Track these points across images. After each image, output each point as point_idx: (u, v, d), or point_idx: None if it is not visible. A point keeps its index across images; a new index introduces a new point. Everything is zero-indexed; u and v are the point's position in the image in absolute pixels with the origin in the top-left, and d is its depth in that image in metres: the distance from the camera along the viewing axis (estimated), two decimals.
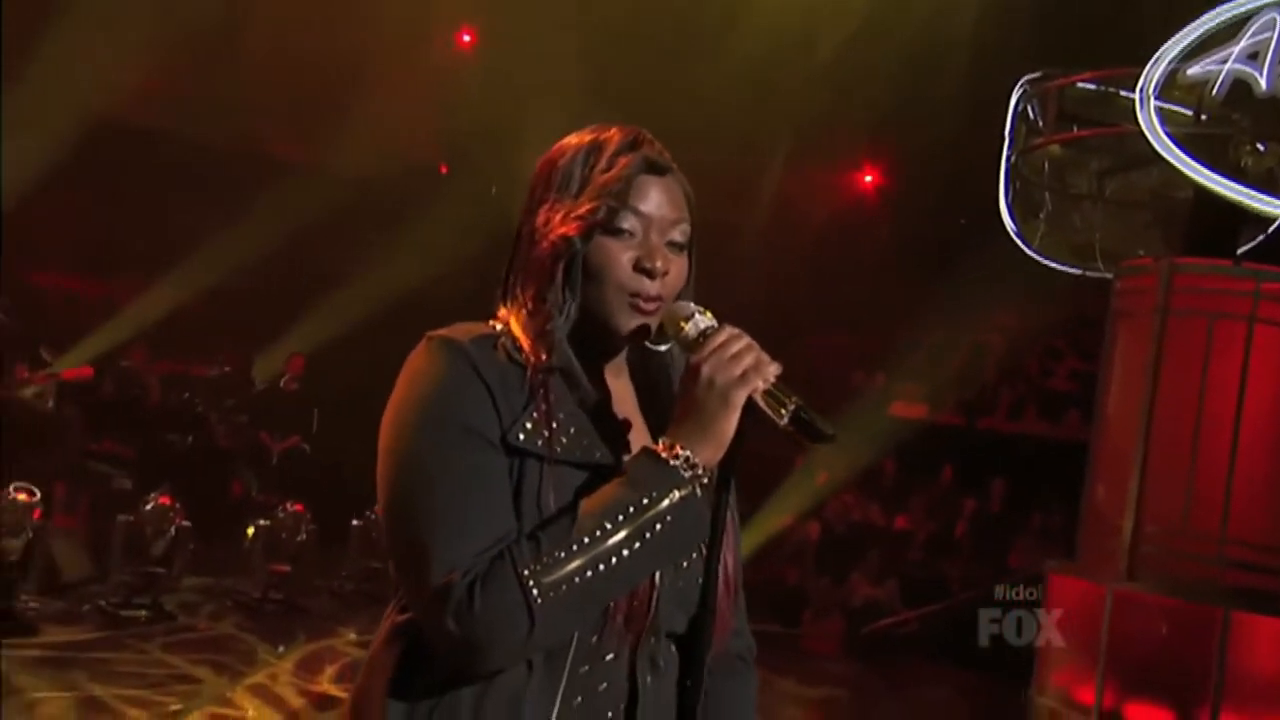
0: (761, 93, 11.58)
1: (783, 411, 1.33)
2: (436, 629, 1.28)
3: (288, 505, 7.03)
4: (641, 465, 1.35)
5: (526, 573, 1.26)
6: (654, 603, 1.40)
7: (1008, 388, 11.91)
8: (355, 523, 7.11)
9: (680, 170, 1.47)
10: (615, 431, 1.44)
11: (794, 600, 8.59)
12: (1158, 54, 5.53)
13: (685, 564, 1.43)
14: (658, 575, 1.40)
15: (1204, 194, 5.41)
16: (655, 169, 1.45)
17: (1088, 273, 6.95)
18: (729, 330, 1.38)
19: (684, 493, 1.32)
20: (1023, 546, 9.10)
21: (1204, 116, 5.59)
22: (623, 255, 1.41)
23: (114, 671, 5.29)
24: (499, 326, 1.43)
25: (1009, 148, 7.15)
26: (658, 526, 1.31)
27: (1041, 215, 7.43)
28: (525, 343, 1.40)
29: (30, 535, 5.64)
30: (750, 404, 1.34)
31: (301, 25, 10.42)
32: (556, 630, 1.31)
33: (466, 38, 13.88)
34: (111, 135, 9.80)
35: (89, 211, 10.62)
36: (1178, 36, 5.54)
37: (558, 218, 1.42)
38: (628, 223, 1.42)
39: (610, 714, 1.40)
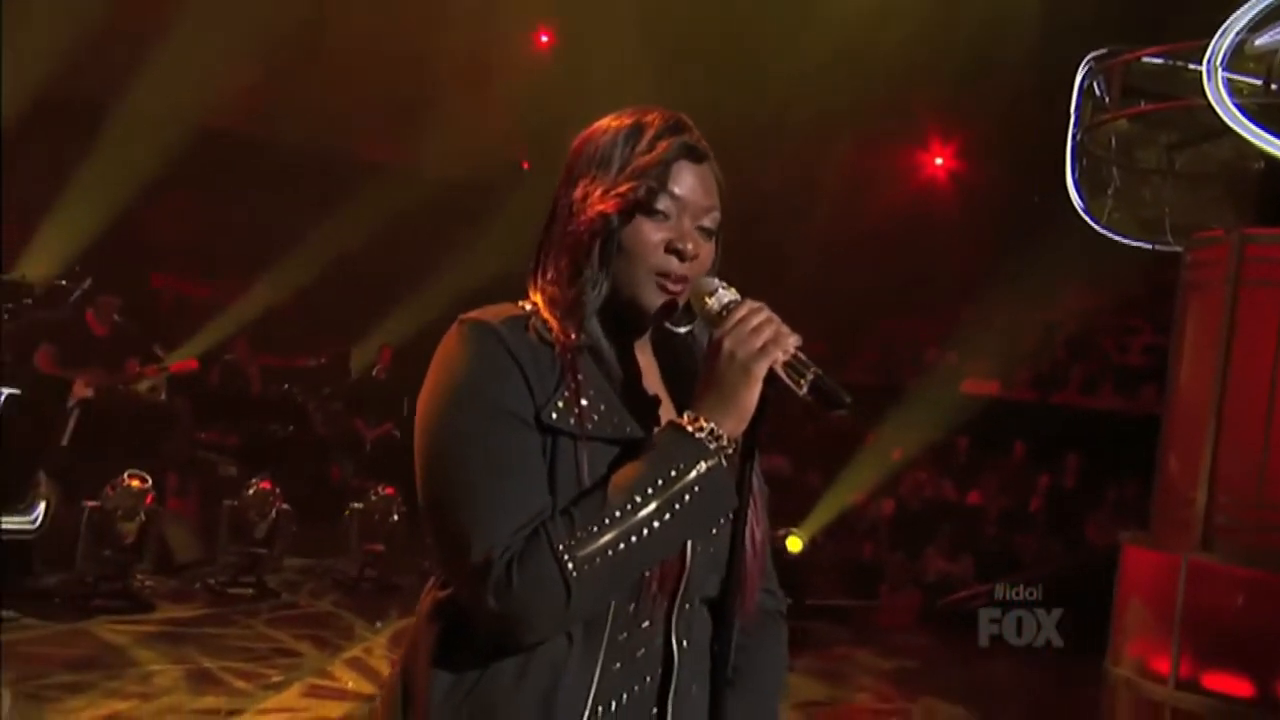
0: (830, 78, 11.45)
1: (802, 381, 1.32)
2: (477, 605, 1.28)
3: (381, 489, 7.16)
4: (668, 438, 1.34)
5: (561, 548, 1.26)
6: (687, 569, 1.40)
7: (1080, 363, 11.65)
8: None
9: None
10: (644, 407, 1.43)
11: (870, 575, 8.52)
12: (1225, 25, 5.34)
13: (716, 531, 1.41)
14: (690, 543, 1.39)
15: (1275, 164, 5.24)
16: (694, 155, 1.45)
17: (1158, 247, 6.78)
18: (750, 304, 1.37)
19: (710, 464, 1.32)
20: (1098, 520, 8.92)
21: (1274, 86, 5.40)
22: (655, 236, 1.41)
23: (222, 645, 5.44)
24: (529, 307, 1.43)
25: (1075, 125, 6.99)
26: (686, 497, 1.31)
27: (1110, 191, 7.24)
28: (554, 322, 1.40)
29: (143, 519, 5.80)
30: (772, 375, 1.32)
31: (387, 32, 10.54)
32: (593, 602, 1.31)
33: (544, 38, 13.97)
34: (216, 144, 10.03)
35: (197, 217, 10.91)
36: (1245, 7, 5.36)
37: (596, 194, 1.41)
38: (663, 204, 1.41)
39: (648, 678, 1.40)
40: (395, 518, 7.03)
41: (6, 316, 7.19)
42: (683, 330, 1.49)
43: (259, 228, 9.99)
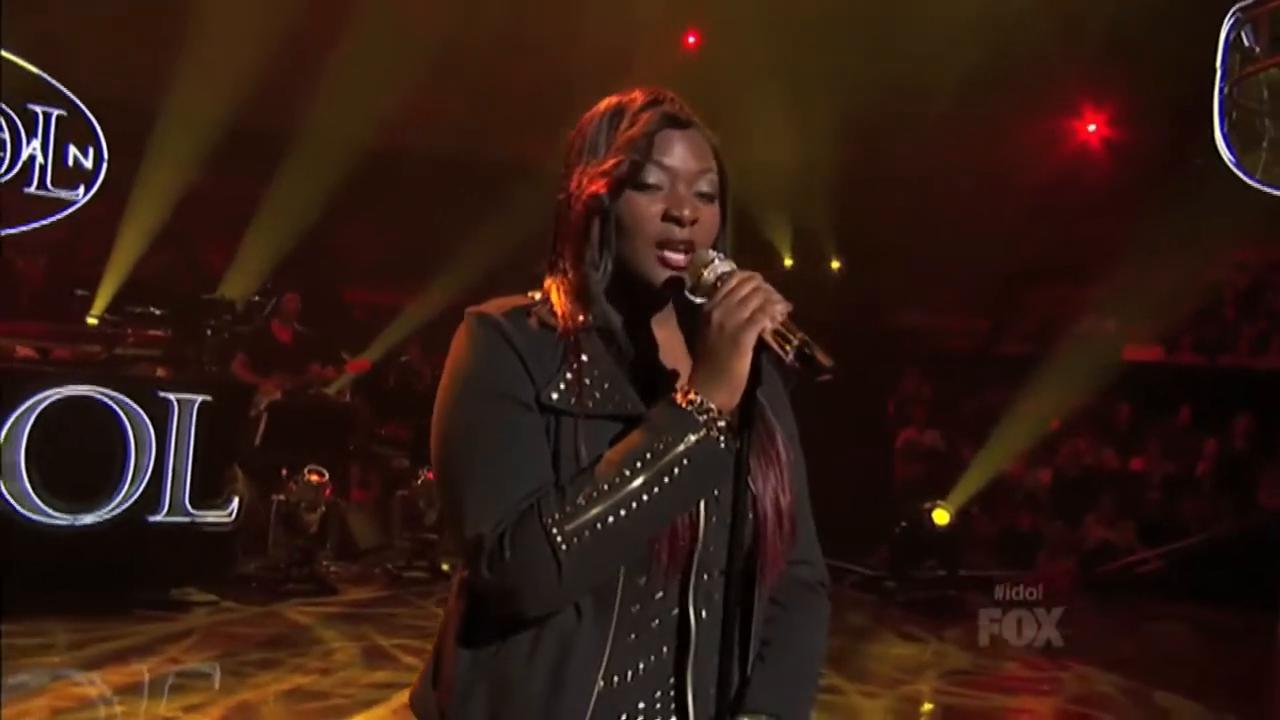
0: (978, 48, 10.99)
1: (787, 348, 1.28)
2: (476, 579, 1.29)
3: None
4: (659, 412, 1.31)
5: (549, 521, 1.25)
6: (700, 541, 1.36)
7: (1249, 323, 10.86)
8: None
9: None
10: (659, 382, 1.39)
11: (1027, 544, 8.18)
12: None
13: (733, 501, 1.36)
14: (702, 514, 1.36)
15: None
16: (677, 122, 1.41)
17: None
18: (740, 274, 1.32)
19: (698, 436, 1.28)
20: (1270, 482, 8.32)
21: None
22: (651, 208, 1.38)
23: (396, 624, 5.65)
24: (537, 296, 1.42)
25: (1222, 79, 6.54)
26: (675, 470, 1.27)
27: (1264, 143, 6.73)
28: (562, 307, 1.38)
29: (324, 510, 6.09)
30: (763, 343, 1.29)
31: (532, 38, 10.66)
32: (587, 575, 1.28)
33: (691, 39, 13.91)
34: (385, 162, 10.40)
35: (376, 231, 11.33)
36: None
37: (586, 179, 1.39)
38: (654, 177, 1.39)
39: (665, 648, 1.37)
40: None
41: (210, 332, 7.65)
42: (701, 302, 1.42)
43: (428, 236, 10.30)
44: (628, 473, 1.27)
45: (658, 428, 1.29)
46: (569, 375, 1.34)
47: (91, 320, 7.80)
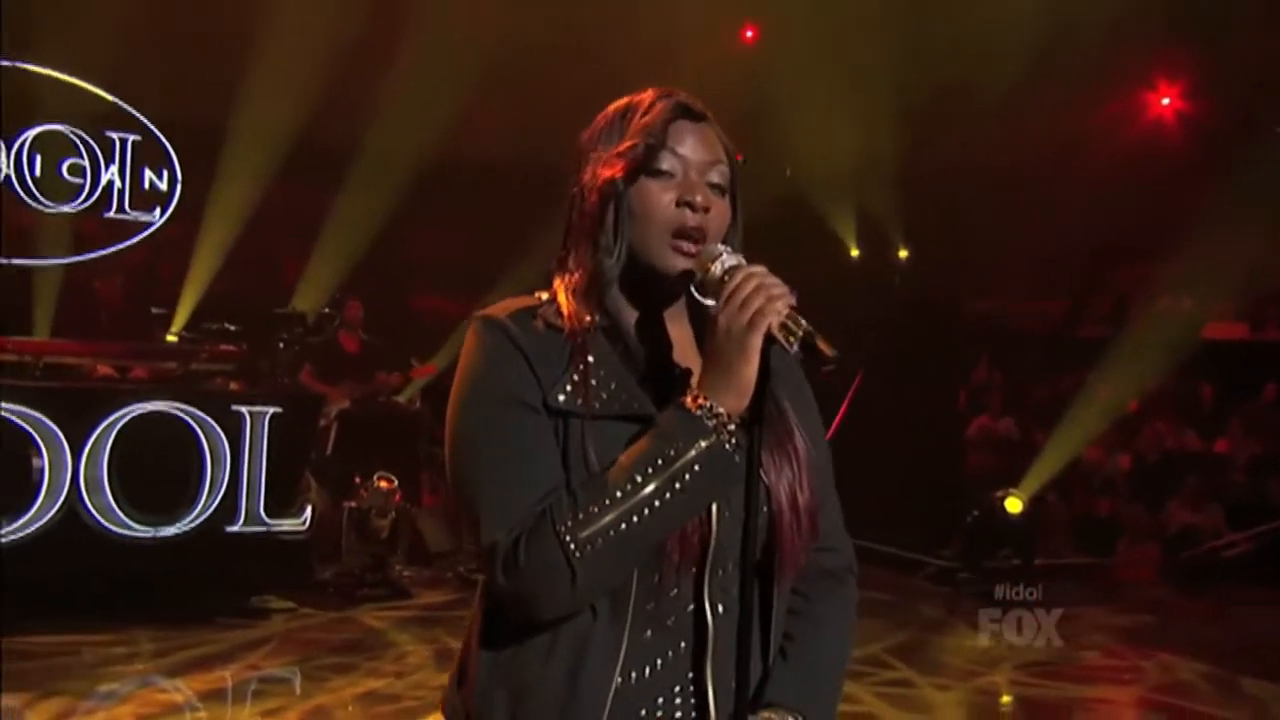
0: (1044, 24, 10.74)
1: (791, 341, 1.27)
2: (492, 584, 1.31)
3: None
4: (669, 417, 1.31)
5: (563, 529, 1.26)
6: (714, 537, 1.36)
7: None
8: None
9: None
10: (670, 381, 1.39)
11: (1107, 531, 7.99)
12: None
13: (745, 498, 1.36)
14: (715, 511, 1.36)
15: None
16: (690, 114, 1.42)
17: None
18: (743, 271, 1.32)
19: (709, 442, 1.28)
20: None
21: None
22: (664, 195, 1.39)
23: (465, 627, 5.70)
24: (544, 297, 1.43)
25: None
26: (686, 476, 1.28)
27: None
28: (569, 307, 1.39)
29: (395, 516, 6.19)
30: (770, 338, 1.28)
31: (586, 38, 10.67)
32: (601, 580, 1.29)
33: (749, 33, 13.83)
34: (448, 171, 10.53)
35: (442, 239, 11.47)
36: None
37: (601, 165, 1.40)
38: (667, 163, 1.39)
39: (682, 644, 1.37)
40: None
41: (282, 345, 7.82)
42: (710, 303, 1.42)
43: (492, 241, 10.38)
44: (639, 479, 1.27)
45: (668, 433, 1.29)
46: (575, 376, 1.35)
47: (172, 337, 8.03)
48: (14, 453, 5.37)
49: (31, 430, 5.38)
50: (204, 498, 5.66)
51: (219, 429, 5.70)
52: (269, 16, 8.44)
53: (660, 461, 1.27)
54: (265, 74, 8.60)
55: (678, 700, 1.37)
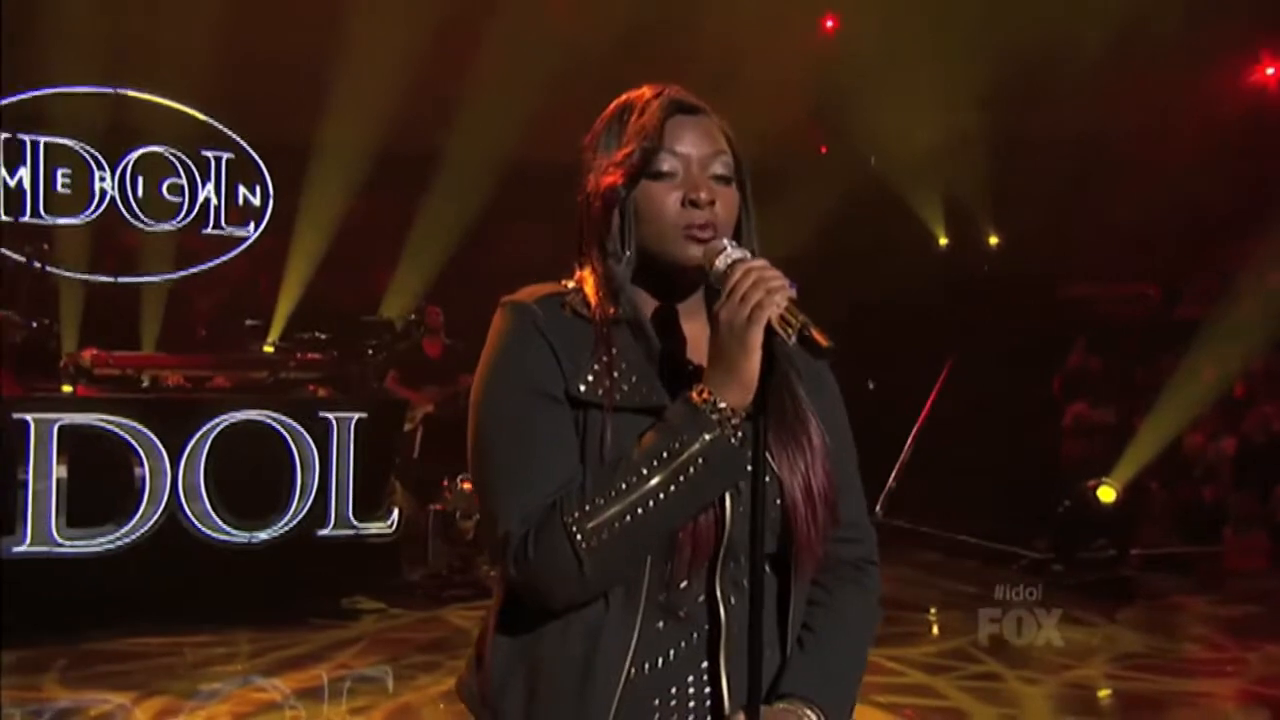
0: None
1: (789, 333, 1.28)
2: (505, 573, 1.34)
3: None
4: (675, 411, 1.33)
5: (570, 520, 1.28)
6: (728, 529, 1.37)
7: None
8: None
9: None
10: (687, 376, 1.41)
11: (1211, 519, 7.72)
12: None
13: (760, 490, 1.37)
14: (727, 503, 1.37)
15: None
16: (686, 108, 1.43)
17: None
18: (743, 266, 1.32)
19: (713, 435, 1.30)
20: None
21: None
22: (669, 195, 1.40)
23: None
24: (571, 285, 1.45)
25: None
26: (690, 470, 1.29)
27: None
28: (594, 297, 1.41)
29: (478, 517, 6.29)
30: (771, 331, 1.29)
31: (667, 32, 10.65)
32: (609, 571, 1.32)
33: (830, 23, 13.67)
34: (532, 171, 10.64)
35: (524, 244, 11.58)
36: None
37: (601, 173, 1.42)
38: (667, 164, 1.41)
39: (695, 634, 1.38)
40: None
41: (371, 351, 8.03)
42: None
43: (572, 242, 10.50)
44: (645, 471, 1.29)
45: (674, 427, 1.31)
46: (597, 367, 1.37)
47: (268, 348, 8.31)
48: (118, 463, 5.63)
49: (133, 441, 5.62)
50: (295, 503, 5.85)
51: (307, 435, 5.88)
52: (348, 36, 8.67)
53: (665, 455, 1.29)
54: (346, 90, 8.83)
55: (690, 690, 1.38)
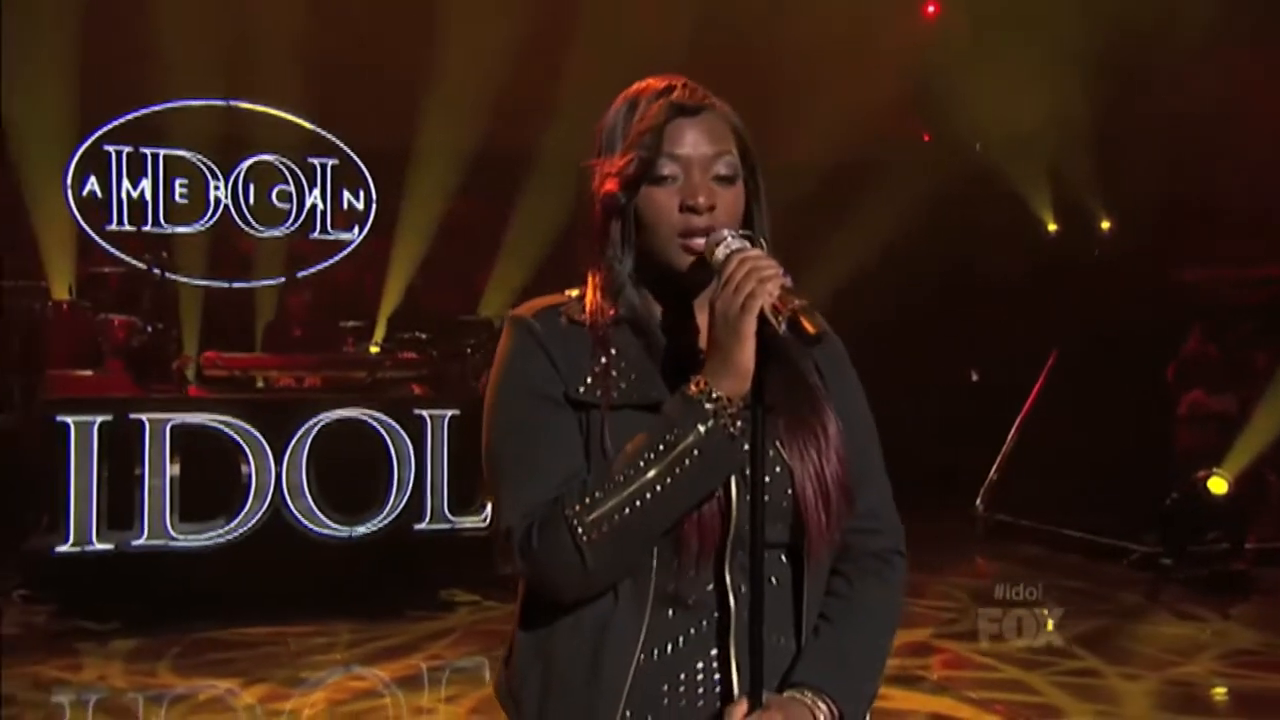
0: None
1: (780, 320, 1.29)
2: (514, 568, 1.38)
3: None
4: (672, 404, 1.35)
5: (571, 514, 1.31)
6: (734, 518, 1.38)
7: None
8: None
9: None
10: (693, 370, 1.41)
11: None
12: None
13: (768, 478, 1.39)
14: (734, 491, 1.38)
15: None
16: (686, 110, 1.43)
17: None
18: (738, 256, 1.33)
19: (708, 426, 1.31)
20: None
21: None
22: (668, 201, 1.41)
23: None
24: (573, 294, 1.48)
25: None
26: (686, 461, 1.31)
27: None
28: (593, 302, 1.44)
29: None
30: (764, 321, 1.30)
31: (777, 31, 10.57)
32: (611, 563, 1.34)
33: (931, 8, 13.41)
34: None
35: None
36: None
37: (601, 179, 1.45)
38: (667, 169, 1.41)
39: (704, 622, 1.40)
40: None
41: (470, 350, 8.21)
42: None
43: None
44: (642, 464, 1.31)
45: (670, 419, 1.33)
46: (596, 369, 1.40)
47: (374, 348, 8.57)
48: (226, 461, 5.88)
49: (240, 439, 5.88)
50: (392, 498, 6.03)
51: (404, 433, 6.05)
52: (443, 42, 8.88)
53: (662, 447, 1.31)
54: (443, 95, 9.06)
55: (700, 676, 1.40)
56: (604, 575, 1.35)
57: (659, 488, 1.30)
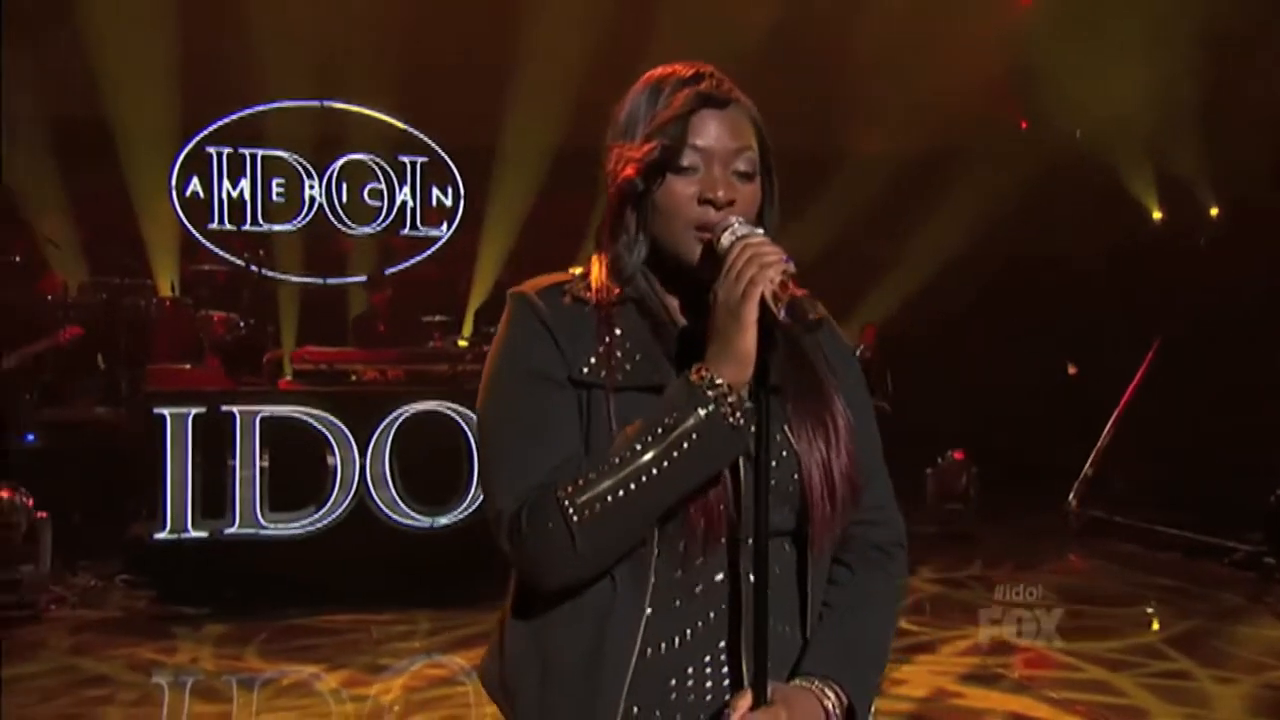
0: None
1: (779, 307, 1.28)
2: (503, 551, 1.36)
3: (951, 454, 7.39)
4: (673, 388, 1.34)
5: (563, 494, 1.30)
6: (741, 504, 1.37)
7: None
8: (928, 471, 7.11)
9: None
10: (700, 357, 1.40)
11: None
12: None
13: (774, 462, 1.38)
14: (742, 478, 1.36)
15: None
16: (713, 102, 1.41)
17: None
18: (741, 242, 1.33)
19: (707, 411, 1.30)
20: None
21: None
22: (687, 190, 1.40)
23: None
24: (577, 272, 1.48)
25: None
26: (684, 445, 1.29)
27: None
28: (599, 281, 1.43)
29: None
30: (765, 307, 1.29)
31: (867, 21, 10.40)
32: (601, 546, 1.32)
33: None
34: None
35: None
36: None
37: (621, 162, 1.43)
38: (689, 159, 1.40)
39: (712, 614, 1.38)
40: (964, 479, 7.32)
41: None
42: None
43: None
44: (638, 447, 1.30)
45: (670, 403, 1.31)
46: (600, 349, 1.38)
47: (462, 342, 8.71)
48: (312, 452, 6.06)
49: (326, 431, 6.04)
50: (473, 489, 6.12)
51: None
52: (527, 40, 8.98)
53: (659, 430, 1.30)
54: (528, 93, 9.16)
55: (708, 670, 1.38)
56: (593, 559, 1.32)
57: (654, 471, 1.29)
